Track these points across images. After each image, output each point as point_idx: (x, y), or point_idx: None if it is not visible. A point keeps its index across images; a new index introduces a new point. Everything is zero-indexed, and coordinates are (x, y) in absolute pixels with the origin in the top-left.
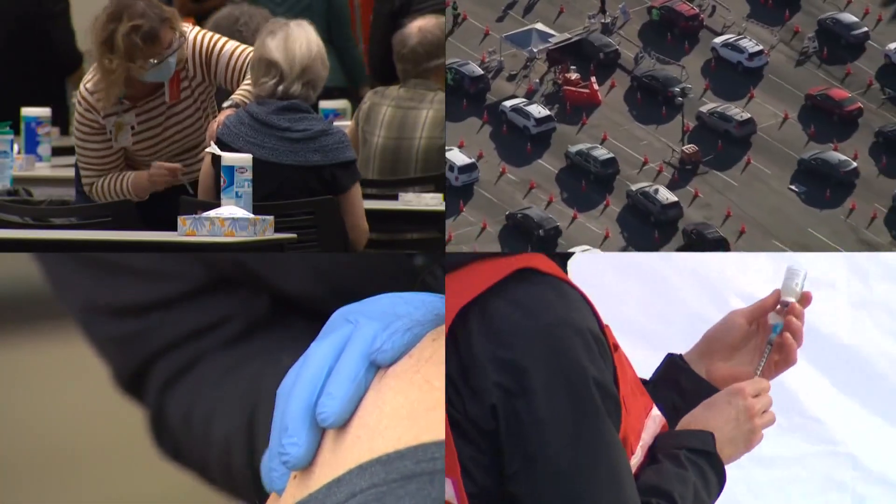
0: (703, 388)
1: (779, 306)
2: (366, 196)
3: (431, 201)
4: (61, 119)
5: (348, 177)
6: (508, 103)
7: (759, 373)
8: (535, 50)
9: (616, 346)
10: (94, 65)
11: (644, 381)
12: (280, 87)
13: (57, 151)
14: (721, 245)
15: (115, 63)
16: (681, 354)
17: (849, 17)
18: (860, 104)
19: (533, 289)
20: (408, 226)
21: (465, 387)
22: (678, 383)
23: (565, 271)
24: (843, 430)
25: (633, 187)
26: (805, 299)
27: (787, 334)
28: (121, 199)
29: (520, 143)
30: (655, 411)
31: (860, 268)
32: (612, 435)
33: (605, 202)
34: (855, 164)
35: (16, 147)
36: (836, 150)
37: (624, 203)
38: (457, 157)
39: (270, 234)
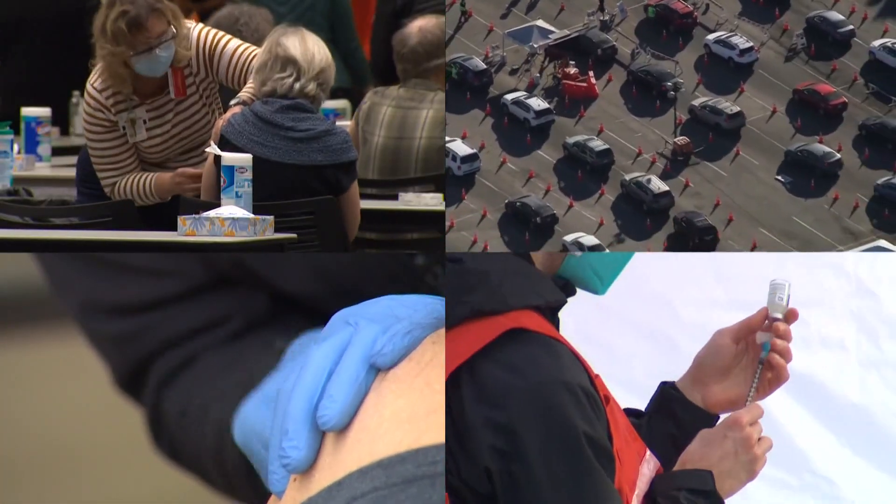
0: (700, 416)
1: (766, 322)
2: (366, 196)
3: (431, 201)
4: (61, 119)
5: (349, 177)
6: (510, 96)
7: (752, 394)
8: (535, 46)
9: (608, 398)
10: (100, 62)
11: (639, 413)
12: (297, 84)
13: (57, 151)
14: (709, 232)
15: (105, 49)
16: (673, 383)
17: (835, 16)
18: (845, 98)
19: (522, 349)
20: (408, 226)
21: (460, 451)
22: (674, 414)
23: (556, 324)
24: (853, 488)
25: (627, 177)
26: (791, 315)
27: (776, 356)
28: (145, 201)
29: (520, 134)
30: (648, 454)
31: (870, 328)
32: (608, 490)
33: (600, 191)
34: (839, 155)
35: (16, 147)
36: (821, 142)
37: (618, 192)
38: (459, 147)
39: (270, 234)
